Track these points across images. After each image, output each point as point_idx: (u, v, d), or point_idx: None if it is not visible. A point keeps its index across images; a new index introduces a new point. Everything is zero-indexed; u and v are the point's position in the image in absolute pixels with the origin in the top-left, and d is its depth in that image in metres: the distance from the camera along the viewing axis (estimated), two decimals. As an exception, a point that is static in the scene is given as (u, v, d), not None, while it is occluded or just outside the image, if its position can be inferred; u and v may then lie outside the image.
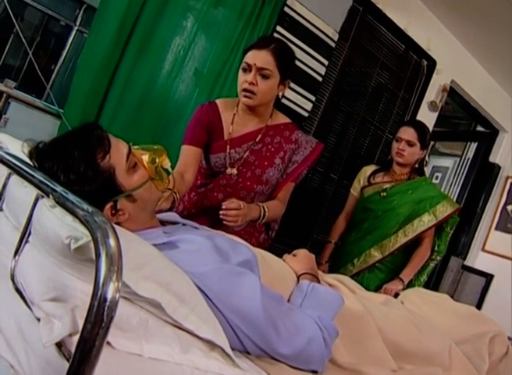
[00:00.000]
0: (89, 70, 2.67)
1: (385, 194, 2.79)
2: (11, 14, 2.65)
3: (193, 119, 2.10)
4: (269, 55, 1.94)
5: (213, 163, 2.09)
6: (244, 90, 1.96)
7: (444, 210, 2.72)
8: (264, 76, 1.95)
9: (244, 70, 1.97)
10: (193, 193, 2.13)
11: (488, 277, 5.10)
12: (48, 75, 3.08)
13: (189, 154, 2.00)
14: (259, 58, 1.94)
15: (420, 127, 2.80)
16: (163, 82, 2.91)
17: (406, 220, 2.74)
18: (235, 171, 2.07)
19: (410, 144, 2.74)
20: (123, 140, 1.24)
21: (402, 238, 2.72)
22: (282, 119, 2.18)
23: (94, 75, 2.67)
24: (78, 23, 3.17)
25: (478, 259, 5.34)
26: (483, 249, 5.33)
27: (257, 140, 2.09)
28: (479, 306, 4.95)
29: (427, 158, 3.65)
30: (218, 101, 2.13)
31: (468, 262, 5.31)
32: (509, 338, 1.93)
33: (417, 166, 2.84)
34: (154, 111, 2.89)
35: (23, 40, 2.76)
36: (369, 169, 2.95)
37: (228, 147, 2.06)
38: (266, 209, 2.00)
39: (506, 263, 5.06)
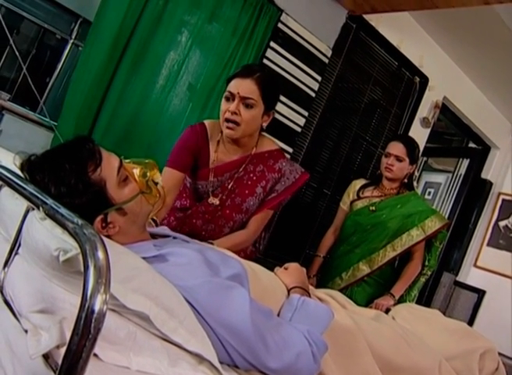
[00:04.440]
0: (83, 84, 2.68)
1: (374, 208, 2.80)
2: (5, 27, 2.66)
3: (180, 141, 2.05)
4: (253, 84, 1.89)
5: (198, 189, 2.08)
6: (227, 120, 1.90)
7: (433, 225, 2.73)
8: (248, 106, 1.89)
9: (227, 99, 1.91)
10: (172, 217, 2.09)
11: (480, 293, 5.11)
12: (42, 88, 3.08)
13: (170, 178, 1.95)
14: (243, 86, 1.88)
15: (409, 142, 2.82)
16: (157, 96, 2.92)
17: (394, 235, 2.74)
18: (217, 201, 2.03)
19: (399, 159, 2.76)
20: (116, 153, 1.24)
21: (390, 253, 2.73)
22: (268, 146, 2.11)
23: (88, 88, 2.68)
24: (74, 37, 3.18)
25: (470, 275, 5.35)
26: (475, 265, 5.35)
27: (240, 169, 2.04)
28: (471, 322, 4.95)
29: (416, 172, 3.67)
30: (207, 124, 2.08)
31: (460, 278, 5.33)
32: (499, 354, 1.93)
33: (406, 180, 2.85)
34: (147, 125, 2.90)
35: (17, 54, 2.77)
36: (359, 183, 2.96)
37: (211, 175, 2.03)
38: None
39: (498, 279, 5.07)
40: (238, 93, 1.87)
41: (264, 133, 2.14)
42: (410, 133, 4.25)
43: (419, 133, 4.36)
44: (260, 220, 2.08)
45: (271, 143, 2.15)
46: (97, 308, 0.70)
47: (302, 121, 3.60)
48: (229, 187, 2.03)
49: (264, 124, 2.01)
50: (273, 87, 2.00)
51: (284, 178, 2.06)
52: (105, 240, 0.81)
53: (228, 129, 1.91)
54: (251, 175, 2.05)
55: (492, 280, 5.11)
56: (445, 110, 4.79)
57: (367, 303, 2.74)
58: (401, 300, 2.77)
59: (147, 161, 1.32)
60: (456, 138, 6.31)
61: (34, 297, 0.92)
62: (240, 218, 2.05)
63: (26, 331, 0.89)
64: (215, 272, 1.18)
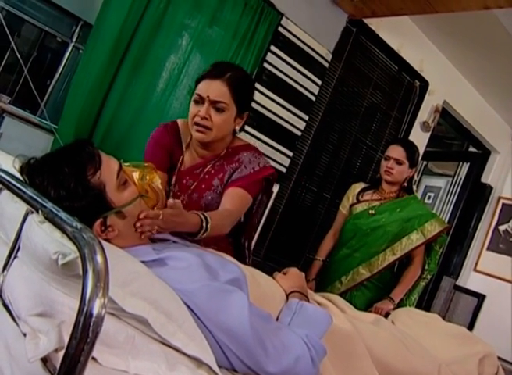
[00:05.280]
0: (83, 87, 2.68)
1: (373, 211, 2.80)
2: (6, 30, 2.66)
3: (151, 141, 1.92)
4: (224, 86, 1.73)
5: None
6: (196, 124, 1.75)
7: (432, 229, 2.73)
8: (219, 110, 1.74)
9: (196, 102, 1.76)
10: None
11: (480, 298, 5.10)
12: (43, 90, 3.09)
13: None
14: (212, 89, 1.73)
15: (409, 146, 2.83)
16: (157, 100, 2.92)
17: (394, 238, 2.74)
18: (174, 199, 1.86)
19: (398, 162, 2.76)
20: (115, 157, 1.25)
21: (390, 256, 2.73)
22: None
23: (89, 92, 2.68)
24: (74, 40, 3.19)
25: (469, 279, 5.34)
26: (475, 269, 5.34)
27: (205, 169, 1.89)
28: (471, 326, 4.94)
29: (416, 176, 3.67)
30: (179, 123, 1.95)
31: (460, 282, 5.32)
32: (499, 359, 1.93)
33: (405, 184, 2.85)
34: (147, 129, 2.87)
35: (18, 56, 2.78)
36: (358, 187, 2.96)
37: (175, 179, 1.90)
38: (209, 220, 1.52)
39: (497, 283, 5.06)
40: (208, 96, 1.73)
41: (239, 136, 2.01)
42: (411, 137, 4.25)
43: (419, 138, 4.36)
44: (232, 198, 1.78)
45: (246, 145, 1.98)
46: (95, 311, 0.70)
47: (302, 125, 3.60)
48: (186, 183, 1.89)
49: (237, 127, 1.88)
50: (246, 87, 1.86)
51: (241, 167, 1.87)
52: (104, 243, 0.82)
53: (198, 132, 1.77)
54: (211, 170, 1.90)
55: (492, 285, 5.10)
56: (445, 114, 4.79)
57: (366, 307, 2.73)
58: (401, 304, 2.76)
59: (146, 164, 1.33)
60: (457, 142, 6.31)
61: (33, 300, 0.92)
62: None
63: (24, 334, 0.89)
64: (214, 276, 1.18)
